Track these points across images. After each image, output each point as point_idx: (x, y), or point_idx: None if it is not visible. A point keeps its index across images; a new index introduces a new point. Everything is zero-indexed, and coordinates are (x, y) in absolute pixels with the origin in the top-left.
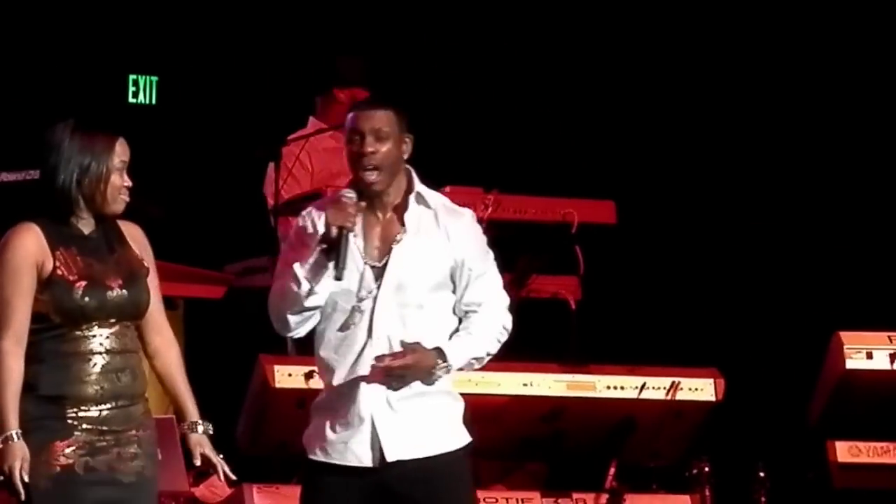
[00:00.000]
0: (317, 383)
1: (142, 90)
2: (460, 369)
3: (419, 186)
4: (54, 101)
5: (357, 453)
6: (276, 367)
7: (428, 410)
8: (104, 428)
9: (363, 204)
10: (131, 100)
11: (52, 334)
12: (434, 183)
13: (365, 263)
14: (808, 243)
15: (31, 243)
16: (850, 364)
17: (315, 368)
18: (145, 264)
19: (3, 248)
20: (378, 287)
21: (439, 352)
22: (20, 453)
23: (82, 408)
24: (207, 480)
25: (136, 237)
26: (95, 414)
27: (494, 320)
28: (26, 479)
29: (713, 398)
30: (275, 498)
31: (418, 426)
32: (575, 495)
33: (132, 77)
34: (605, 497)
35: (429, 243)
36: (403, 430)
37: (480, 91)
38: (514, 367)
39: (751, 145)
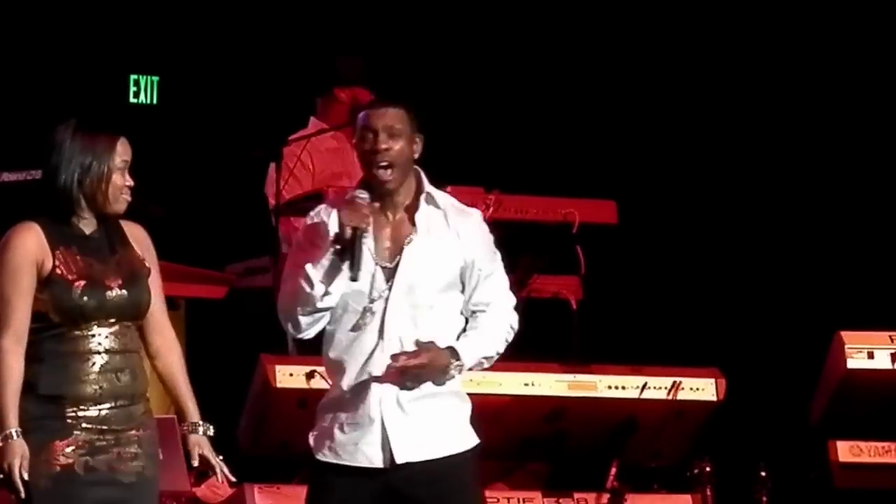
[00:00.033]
0: (318, 383)
1: (143, 90)
2: (470, 369)
3: (429, 187)
4: (56, 102)
5: (367, 454)
6: (278, 367)
7: (438, 412)
8: (104, 427)
9: (377, 204)
10: (132, 100)
11: (51, 334)
12: (435, 183)
13: (376, 264)
14: (808, 243)
15: (31, 242)
16: (852, 364)
17: (316, 368)
18: (147, 265)
19: (4, 248)
20: (389, 288)
21: (452, 351)
22: (20, 451)
23: (81, 407)
24: (209, 480)
25: (138, 238)
26: (95, 413)
27: (502, 320)
28: (26, 476)
29: (714, 398)
30: (276, 498)
31: (428, 428)
32: (576, 495)
33: (133, 77)
34: (606, 497)
35: (439, 244)
36: (413, 432)
37: (481, 91)
38: (515, 366)
39: (751, 145)
